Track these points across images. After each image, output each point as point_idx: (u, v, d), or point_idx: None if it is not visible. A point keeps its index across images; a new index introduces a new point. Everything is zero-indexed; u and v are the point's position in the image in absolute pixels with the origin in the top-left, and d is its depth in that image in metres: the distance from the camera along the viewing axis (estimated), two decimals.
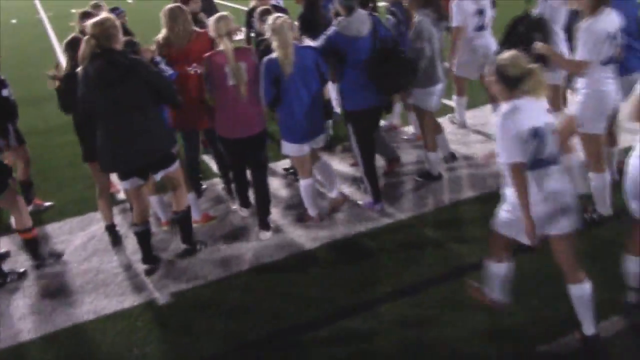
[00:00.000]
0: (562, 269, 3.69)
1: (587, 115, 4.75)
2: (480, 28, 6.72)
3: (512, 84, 3.50)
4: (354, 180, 6.31)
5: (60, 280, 5.28)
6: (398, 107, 7.36)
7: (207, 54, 5.20)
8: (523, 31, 5.12)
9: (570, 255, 3.64)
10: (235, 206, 6.08)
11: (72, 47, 5.20)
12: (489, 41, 6.76)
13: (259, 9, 6.03)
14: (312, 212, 5.66)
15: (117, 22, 4.68)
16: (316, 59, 5.15)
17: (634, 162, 3.64)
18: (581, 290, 3.65)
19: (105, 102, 4.61)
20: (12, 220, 5.49)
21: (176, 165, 5.10)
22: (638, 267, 3.82)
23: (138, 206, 5.11)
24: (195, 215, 5.68)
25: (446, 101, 7.31)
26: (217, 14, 5.33)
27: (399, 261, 4.94)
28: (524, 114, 3.46)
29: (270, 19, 5.09)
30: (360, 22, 5.28)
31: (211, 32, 5.21)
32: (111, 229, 5.77)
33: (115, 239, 5.76)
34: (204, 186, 6.53)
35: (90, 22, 4.64)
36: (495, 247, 3.92)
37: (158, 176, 5.04)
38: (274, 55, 5.02)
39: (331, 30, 5.33)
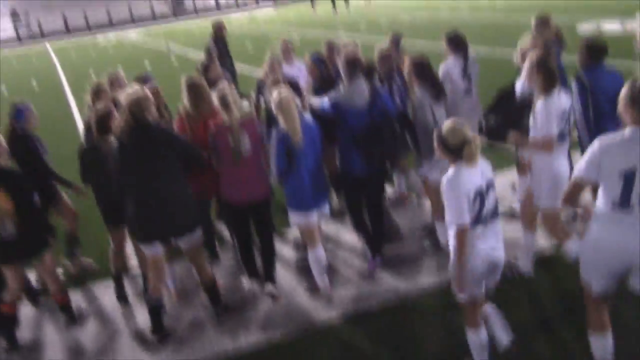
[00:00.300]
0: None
1: (542, 190, 4.91)
2: (467, 92, 6.86)
3: (453, 152, 3.88)
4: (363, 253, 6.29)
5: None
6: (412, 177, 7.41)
7: (213, 124, 5.37)
8: (510, 108, 5.28)
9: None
10: (244, 277, 6.08)
11: (103, 122, 5.36)
12: (476, 106, 6.87)
13: (269, 80, 6.18)
14: (321, 283, 5.63)
15: (150, 95, 4.91)
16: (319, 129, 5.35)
17: (588, 238, 3.75)
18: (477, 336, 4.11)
19: (141, 172, 4.81)
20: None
21: (200, 234, 5.22)
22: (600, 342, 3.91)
23: (155, 276, 5.16)
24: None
25: None
26: (220, 87, 5.48)
27: (404, 340, 4.87)
28: (467, 177, 3.83)
29: (275, 94, 5.22)
30: (358, 93, 5.44)
31: (216, 101, 5.37)
32: (119, 281, 5.95)
33: (122, 294, 5.96)
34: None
35: (125, 95, 4.86)
36: (467, 312, 4.13)
37: (183, 243, 5.11)
38: (283, 127, 5.14)
39: (330, 97, 5.57)
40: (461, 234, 3.80)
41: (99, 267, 6.66)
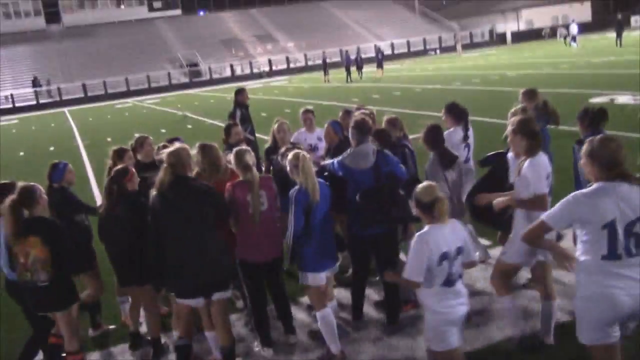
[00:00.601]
0: None
1: (516, 247, 4.92)
2: (467, 160, 6.98)
3: (425, 209, 4.19)
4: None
5: None
6: None
7: (230, 183, 5.42)
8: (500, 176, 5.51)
9: None
10: (257, 345, 5.89)
11: (119, 179, 5.56)
12: (472, 173, 7.04)
13: (282, 148, 6.24)
14: (334, 348, 5.42)
15: (189, 152, 5.12)
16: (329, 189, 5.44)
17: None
18: None
19: (181, 225, 4.89)
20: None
21: (229, 292, 5.31)
22: None
23: (186, 322, 5.23)
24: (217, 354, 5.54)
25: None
26: (238, 148, 5.60)
27: None
28: (437, 237, 4.14)
29: (292, 154, 5.32)
30: (363, 155, 5.59)
31: (233, 163, 5.47)
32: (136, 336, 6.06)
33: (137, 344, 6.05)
34: None
35: (166, 151, 5.04)
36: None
37: (214, 297, 5.14)
38: (301, 186, 5.19)
39: (337, 159, 5.75)
40: (410, 284, 4.30)
41: (118, 330, 6.62)
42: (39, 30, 69.01)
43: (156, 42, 66.64)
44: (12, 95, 54.28)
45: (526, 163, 4.87)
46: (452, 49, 62.92)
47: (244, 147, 5.72)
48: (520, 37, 64.79)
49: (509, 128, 5.11)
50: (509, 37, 67.42)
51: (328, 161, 5.97)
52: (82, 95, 55.29)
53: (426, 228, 4.23)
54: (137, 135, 7.23)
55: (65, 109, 47.84)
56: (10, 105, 53.20)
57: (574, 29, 45.58)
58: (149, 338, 6.13)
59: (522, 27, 67.25)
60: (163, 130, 24.72)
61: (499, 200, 5.05)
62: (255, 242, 5.42)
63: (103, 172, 6.57)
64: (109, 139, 24.31)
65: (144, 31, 68.97)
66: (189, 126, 25.56)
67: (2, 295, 6.04)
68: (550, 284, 5.23)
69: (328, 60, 43.83)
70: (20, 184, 5.35)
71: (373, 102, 25.24)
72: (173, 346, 5.40)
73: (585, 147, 3.85)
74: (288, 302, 5.88)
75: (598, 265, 3.66)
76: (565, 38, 49.82)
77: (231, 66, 61.01)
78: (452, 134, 6.92)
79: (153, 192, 5.00)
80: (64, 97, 55.05)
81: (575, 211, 3.74)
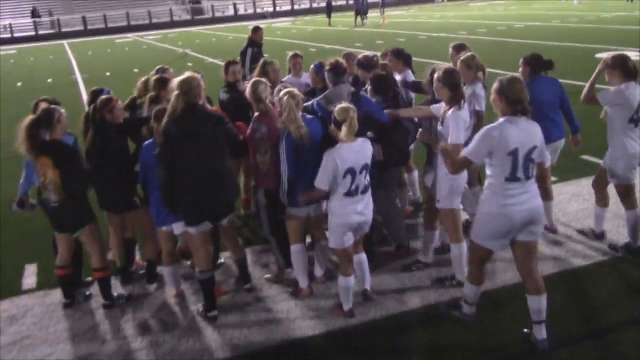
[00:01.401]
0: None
1: (443, 192, 5.27)
2: None
3: (337, 126, 4.77)
4: None
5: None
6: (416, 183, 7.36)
7: (257, 116, 5.39)
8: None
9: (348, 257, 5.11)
10: (268, 275, 5.97)
11: (98, 112, 5.57)
12: None
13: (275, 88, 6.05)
14: (302, 283, 5.55)
15: (200, 80, 5.05)
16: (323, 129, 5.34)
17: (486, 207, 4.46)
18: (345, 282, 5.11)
19: (194, 151, 4.88)
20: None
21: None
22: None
23: (204, 252, 5.27)
24: None
25: None
26: (254, 79, 5.59)
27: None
28: (343, 153, 4.73)
29: (280, 95, 5.26)
30: (337, 97, 5.43)
31: (248, 93, 5.47)
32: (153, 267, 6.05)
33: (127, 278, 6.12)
34: (221, 260, 6.38)
35: (178, 79, 4.97)
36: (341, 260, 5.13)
37: (225, 222, 5.39)
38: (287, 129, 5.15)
39: (316, 99, 5.71)
40: (317, 195, 4.96)
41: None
42: None
43: None
44: (10, 25, 53.32)
45: (449, 113, 5.06)
46: None
47: (260, 79, 5.63)
48: None
49: (434, 79, 5.27)
50: None
51: (309, 102, 5.80)
52: (81, 28, 54.32)
53: (336, 145, 4.79)
54: (158, 66, 7.04)
55: (65, 42, 47.08)
56: (9, 35, 52.33)
57: None
58: (142, 272, 6.18)
59: None
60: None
61: (423, 133, 5.48)
62: (274, 170, 5.32)
63: None
64: (107, 74, 24.06)
65: None
66: (189, 64, 25.17)
67: None
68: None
69: (333, 4, 42.96)
70: (42, 105, 5.42)
71: (377, 48, 24.87)
72: (198, 280, 5.38)
73: (495, 85, 4.38)
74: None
75: (501, 186, 4.31)
76: None
77: (234, 5, 59.83)
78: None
79: (164, 120, 4.96)
80: (63, 29, 54.10)
81: (489, 143, 4.27)
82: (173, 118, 4.89)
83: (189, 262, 6.23)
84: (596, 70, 5.83)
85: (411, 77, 7.01)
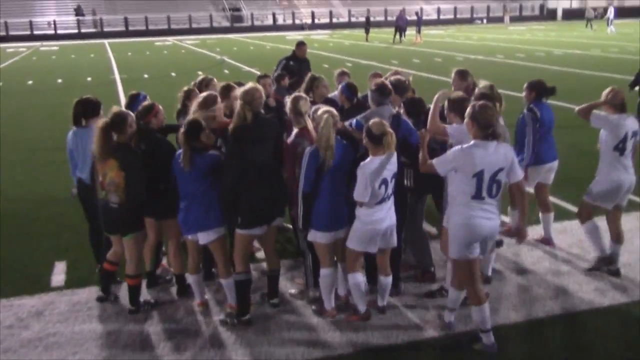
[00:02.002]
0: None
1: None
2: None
3: (375, 140, 4.95)
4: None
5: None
6: None
7: (298, 131, 5.46)
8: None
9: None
10: (293, 290, 5.99)
11: (141, 118, 5.64)
12: None
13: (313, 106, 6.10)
14: (327, 304, 5.52)
15: (262, 91, 5.44)
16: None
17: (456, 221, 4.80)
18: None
19: (263, 156, 5.23)
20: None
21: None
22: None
23: (246, 254, 5.47)
24: (230, 300, 5.62)
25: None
26: (295, 94, 5.69)
27: None
28: (379, 165, 4.95)
29: (319, 112, 5.27)
30: (379, 116, 5.41)
31: (288, 109, 5.54)
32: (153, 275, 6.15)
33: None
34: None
35: (241, 90, 5.34)
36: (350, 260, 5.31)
37: (275, 223, 5.50)
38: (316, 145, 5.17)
39: (357, 118, 5.73)
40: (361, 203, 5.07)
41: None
42: None
43: None
44: (54, 21, 54.52)
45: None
46: (500, 19, 61.37)
47: (300, 94, 5.74)
48: (571, 14, 62.84)
49: (446, 105, 5.59)
50: (559, 13, 65.49)
51: (349, 121, 5.82)
52: (123, 28, 55.29)
53: (369, 159, 4.99)
54: (202, 77, 7.15)
55: (106, 41, 47.97)
56: (52, 32, 53.49)
57: (611, 12, 43.79)
58: (168, 277, 6.25)
59: (575, 4, 65.12)
60: (200, 73, 24.69)
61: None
62: None
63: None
64: (145, 76, 24.44)
65: None
66: (226, 71, 25.47)
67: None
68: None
69: (372, 19, 43.08)
70: (114, 108, 5.59)
71: (413, 66, 24.87)
72: (234, 282, 5.43)
73: (468, 110, 4.74)
74: None
75: (467, 202, 4.70)
76: (588, 21, 48.05)
77: (273, 15, 60.34)
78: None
79: (231, 127, 5.23)
80: (106, 29, 55.14)
81: (456, 162, 4.68)
82: (243, 125, 5.18)
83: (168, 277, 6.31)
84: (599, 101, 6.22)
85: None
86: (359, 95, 6.65)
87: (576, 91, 17.58)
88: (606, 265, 6.24)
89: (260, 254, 6.48)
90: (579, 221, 6.41)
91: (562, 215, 7.74)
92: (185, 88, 6.75)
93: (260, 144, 5.23)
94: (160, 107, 5.86)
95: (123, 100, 18.18)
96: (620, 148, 5.97)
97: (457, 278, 5.12)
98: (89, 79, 24.16)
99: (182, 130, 5.29)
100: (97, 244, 6.28)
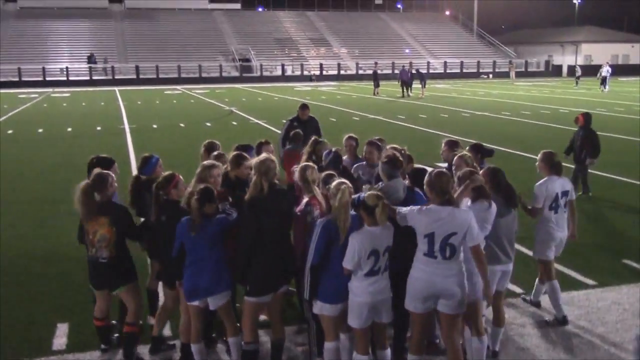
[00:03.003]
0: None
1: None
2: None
3: (369, 211, 4.99)
4: None
5: None
6: None
7: (309, 200, 5.55)
8: None
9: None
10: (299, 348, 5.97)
11: (161, 189, 5.72)
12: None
13: (323, 174, 6.13)
14: None
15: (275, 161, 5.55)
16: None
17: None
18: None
19: (278, 225, 5.35)
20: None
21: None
22: None
23: (254, 323, 5.49)
24: None
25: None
26: (303, 164, 5.76)
27: None
28: (370, 237, 4.99)
29: (334, 185, 5.23)
30: (394, 191, 5.62)
31: (299, 178, 5.63)
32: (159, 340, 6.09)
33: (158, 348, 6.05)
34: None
35: (256, 161, 5.48)
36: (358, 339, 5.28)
37: (281, 290, 5.54)
38: (332, 218, 5.15)
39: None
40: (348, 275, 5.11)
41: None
42: (100, 8, 70.61)
43: (212, 34, 67.47)
44: (67, 68, 55.58)
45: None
46: (506, 74, 62.23)
47: (309, 163, 5.84)
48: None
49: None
50: (565, 69, 66.35)
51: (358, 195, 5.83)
52: (134, 76, 56.28)
53: (362, 229, 5.06)
54: (208, 140, 7.35)
55: (117, 89, 48.74)
56: (65, 78, 54.47)
57: (605, 71, 43.90)
58: (172, 343, 6.18)
59: (580, 61, 66.07)
60: (208, 124, 25.02)
61: None
62: None
63: None
64: (154, 126, 24.70)
65: (202, 21, 69.92)
66: (234, 123, 25.76)
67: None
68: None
69: (379, 72, 43.72)
70: (95, 171, 5.93)
71: (419, 121, 25.10)
72: (241, 351, 5.46)
73: (425, 178, 5.17)
74: None
75: (422, 258, 5.08)
76: (578, 78, 48.74)
77: (282, 65, 61.37)
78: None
79: (248, 197, 5.35)
80: (117, 76, 56.11)
81: (411, 219, 5.10)
82: (260, 196, 5.32)
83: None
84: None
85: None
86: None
87: None
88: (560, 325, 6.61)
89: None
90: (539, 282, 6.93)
91: (569, 285, 7.67)
92: (215, 153, 6.81)
93: (275, 215, 5.31)
94: (181, 177, 5.84)
95: (131, 149, 18.42)
96: (554, 207, 6.65)
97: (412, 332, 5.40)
98: (98, 128, 24.43)
99: (195, 197, 5.34)
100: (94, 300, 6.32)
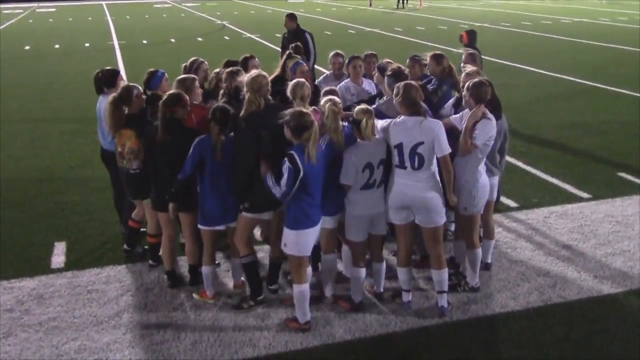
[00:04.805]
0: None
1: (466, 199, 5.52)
2: None
3: (356, 125, 5.10)
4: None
5: None
6: None
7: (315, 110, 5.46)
8: None
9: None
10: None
11: (169, 108, 5.53)
12: None
13: (324, 90, 6.07)
14: (327, 291, 5.59)
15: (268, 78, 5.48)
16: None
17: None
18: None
19: (275, 141, 5.11)
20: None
21: None
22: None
23: (248, 239, 5.52)
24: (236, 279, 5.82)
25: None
26: (296, 80, 5.61)
27: None
28: (362, 150, 5.12)
29: (323, 101, 5.25)
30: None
31: (290, 94, 5.50)
32: (171, 273, 5.98)
33: (173, 281, 5.96)
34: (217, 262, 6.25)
35: (247, 78, 5.35)
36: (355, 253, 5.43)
37: (281, 208, 5.35)
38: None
39: (374, 106, 5.70)
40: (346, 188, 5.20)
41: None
42: None
43: None
44: None
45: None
46: None
47: (301, 79, 5.69)
48: None
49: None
50: None
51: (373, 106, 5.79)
52: None
53: (356, 142, 5.15)
54: (192, 58, 6.98)
55: (104, 2, 47.40)
56: None
57: None
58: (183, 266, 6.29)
59: None
60: (200, 39, 24.52)
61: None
62: None
63: (136, 75, 6.46)
64: (144, 42, 24.22)
65: None
66: (226, 37, 25.27)
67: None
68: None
69: None
70: (122, 84, 6.14)
71: (417, 34, 24.62)
72: (242, 265, 5.54)
73: (394, 91, 5.26)
74: None
75: (395, 170, 5.23)
76: None
77: None
78: None
79: (244, 114, 5.25)
80: None
81: (384, 131, 5.20)
82: (257, 113, 5.26)
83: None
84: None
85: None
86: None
87: (582, 63, 17.47)
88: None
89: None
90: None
91: (564, 198, 7.78)
92: (229, 69, 6.35)
93: (274, 130, 5.14)
94: (188, 99, 5.67)
95: (122, 67, 18.11)
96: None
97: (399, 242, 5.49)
98: (87, 44, 23.96)
99: (212, 120, 5.30)
100: (120, 207, 6.83)
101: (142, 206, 6.11)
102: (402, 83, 5.25)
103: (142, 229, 6.52)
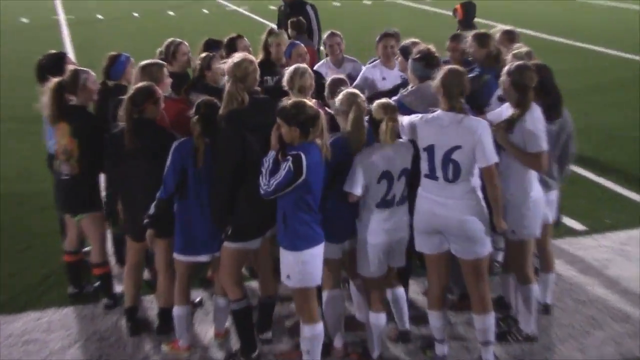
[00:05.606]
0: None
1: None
2: None
3: (375, 126, 5.10)
4: None
5: None
6: None
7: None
8: None
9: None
10: None
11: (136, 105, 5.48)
12: None
13: (331, 77, 6.08)
14: (337, 341, 5.55)
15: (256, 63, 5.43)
16: None
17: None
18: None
19: (262, 149, 5.05)
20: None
21: None
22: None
23: (238, 274, 5.47)
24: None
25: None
26: (295, 66, 5.73)
27: None
28: (378, 156, 5.07)
29: (344, 94, 5.24)
30: (425, 97, 5.55)
31: (287, 84, 5.62)
32: (132, 312, 5.94)
33: (136, 326, 5.91)
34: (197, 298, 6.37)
35: (230, 63, 5.29)
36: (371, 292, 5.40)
37: (270, 233, 5.40)
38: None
39: (395, 97, 5.79)
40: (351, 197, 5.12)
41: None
42: None
43: None
44: None
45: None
46: None
47: (302, 65, 5.77)
48: None
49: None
50: None
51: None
52: None
53: (370, 147, 5.13)
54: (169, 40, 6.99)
55: None
56: None
57: None
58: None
59: None
60: (170, 12, 24.66)
61: None
62: None
63: (90, 60, 6.41)
64: (99, 16, 24.36)
65: None
66: (205, 10, 25.37)
67: None
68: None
69: None
70: (70, 66, 6.09)
71: (449, 5, 24.61)
72: (231, 311, 5.52)
73: (439, 74, 5.11)
74: None
75: (424, 182, 5.15)
76: None
77: None
78: None
79: (224, 111, 5.18)
80: None
81: (412, 128, 5.14)
82: (239, 109, 5.15)
83: None
84: None
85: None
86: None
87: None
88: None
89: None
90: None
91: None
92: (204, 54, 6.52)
93: (260, 131, 5.14)
94: (162, 93, 5.62)
95: (70, 48, 18.17)
96: None
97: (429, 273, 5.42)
98: (24, 19, 24.07)
99: (195, 116, 5.23)
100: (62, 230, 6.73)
101: (73, 226, 6.13)
102: (449, 67, 5.13)
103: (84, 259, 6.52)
